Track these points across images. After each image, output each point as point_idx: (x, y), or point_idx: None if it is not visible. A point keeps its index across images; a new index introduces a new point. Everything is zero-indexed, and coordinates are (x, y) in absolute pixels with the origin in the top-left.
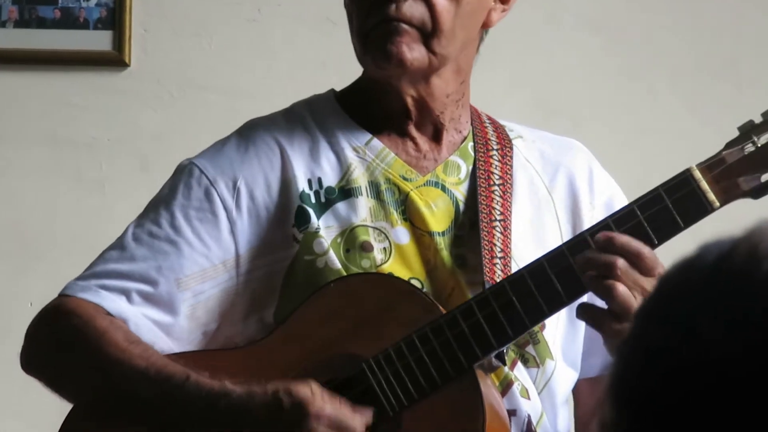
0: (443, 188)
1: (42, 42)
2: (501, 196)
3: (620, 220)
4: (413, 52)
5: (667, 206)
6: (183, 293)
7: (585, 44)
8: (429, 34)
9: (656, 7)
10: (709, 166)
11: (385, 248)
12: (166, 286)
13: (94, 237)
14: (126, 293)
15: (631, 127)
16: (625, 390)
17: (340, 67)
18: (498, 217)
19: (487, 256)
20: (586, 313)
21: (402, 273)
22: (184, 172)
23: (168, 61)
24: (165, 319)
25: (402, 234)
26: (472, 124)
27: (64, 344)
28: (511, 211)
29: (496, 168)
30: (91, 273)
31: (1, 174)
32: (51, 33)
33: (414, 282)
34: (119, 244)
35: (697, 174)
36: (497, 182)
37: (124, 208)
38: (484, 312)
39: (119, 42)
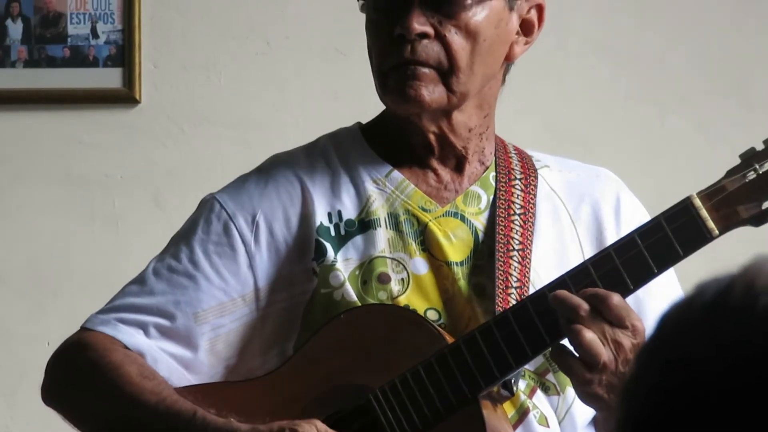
0: (462, 218)
1: (52, 81)
2: (521, 226)
3: (621, 249)
4: (432, 94)
5: (667, 234)
6: (201, 327)
7: (594, 69)
8: (446, 72)
9: (665, 30)
10: (709, 194)
11: (402, 279)
12: (184, 320)
13: (109, 274)
14: (143, 327)
15: (642, 150)
16: (631, 430)
17: (351, 98)
18: (516, 247)
19: (501, 286)
20: (558, 355)
21: (419, 303)
22: (205, 206)
23: (178, 96)
24: (183, 353)
25: (420, 264)
26: (496, 154)
27: (81, 378)
28: (531, 240)
29: (517, 197)
30: (111, 307)
31: (15, 213)
32: (61, 72)
33: (431, 312)
34: (140, 279)
35: (697, 202)
36: (518, 211)
37: (138, 244)
38: (487, 341)
39: (129, 79)
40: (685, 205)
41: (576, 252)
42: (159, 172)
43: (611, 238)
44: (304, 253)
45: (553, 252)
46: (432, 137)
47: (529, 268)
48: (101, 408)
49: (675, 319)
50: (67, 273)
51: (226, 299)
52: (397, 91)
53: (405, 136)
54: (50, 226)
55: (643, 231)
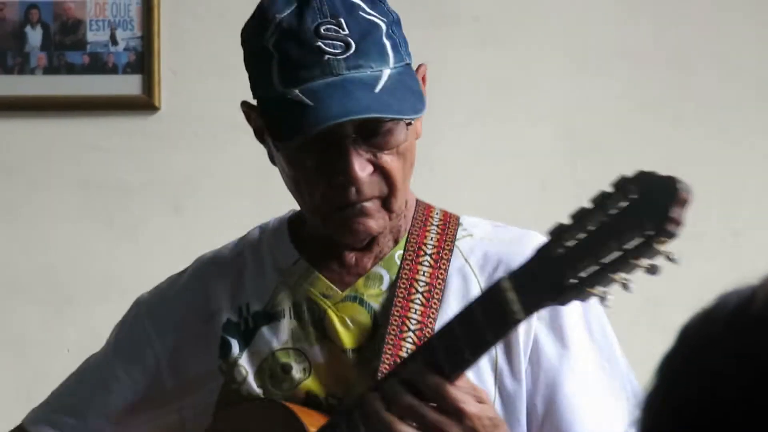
0: (361, 302)
1: (71, 88)
2: (423, 304)
3: (440, 333)
4: (377, 222)
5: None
6: (114, 426)
7: (611, 75)
8: (387, 197)
9: (683, 36)
10: (516, 276)
11: (304, 368)
12: (95, 420)
13: (127, 281)
14: (60, 428)
15: (660, 158)
16: None
17: None
18: (413, 327)
19: (386, 371)
20: None
21: (320, 390)
22: (132, 309)
23: (197, 103)
24: None
25: (318, 353)
26: (410, 230)
27: None
28: (435, 318)
29: (423, 275)
30: (45, 400)
31: (34, 220)
32: (80, 79)
33: (332, 399)
34: (73, 374)
35: (506, 284)
36: (421, 289)
37: (156, 251)
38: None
39: (149, 86)
40: (496, 288)
41: None
42: (178, 179)
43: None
44: (209, 353)
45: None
46: None
47: (400, 351)
48: None
49: (697, 331)
50: (85, 280)
51: (135, 399)
52: (343, 227)
53: (310, 221)
54: (68, 233)
55: (459, 316)
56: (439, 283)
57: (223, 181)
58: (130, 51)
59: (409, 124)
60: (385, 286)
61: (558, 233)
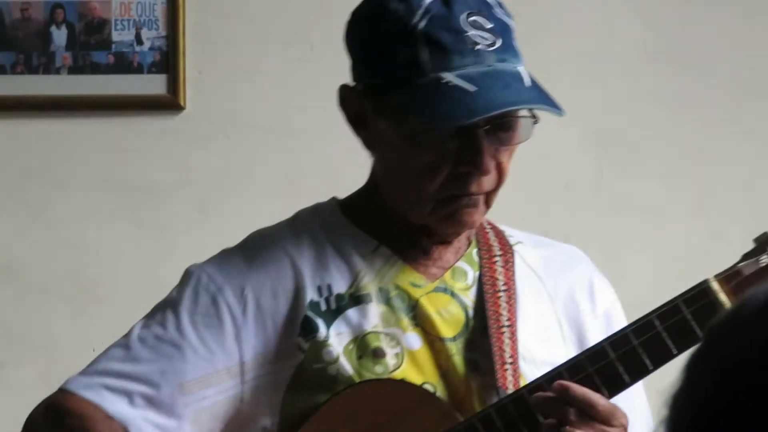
0: (452, 294)
1: (96, 87)
2: (507, 302)
3: (640, 330)
4: (480, 216)
5: (686, 317)
6: (186, 398)
7: (640, 73)
8: (491, 193)
9: (711, 34)
10: (726, 278)
11: (397, 354)
12: (169, 390)
13: (154, 281)
14: (128, 395)
15: (688, 157)
16: None
17: None
18: (506, 323)
19: (498, 362)
20: None
21: (415, 378)
22: (191, 278)
23: (223, 102)
24: (167, 424)
25: (414, 340)
26: (476, 231)
27: None
28: (516, 317)
29: (500, 274)
30: (94, 370)
31: (60, 220)
32: (105, 78)
33: (427, 387)
34: (124, 343)
35: (715, 285)
36: (502, 288)
37: (183, 250)
38: (504, 420)
39: (174, 85)
40: (703, 288)
41: (555, 330)
42: (203, 179)
43: (588, 319)
44: (289, 329)
45: (535, 329)
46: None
47: (517, 344)
48: None
49: (723, 329)
50: (112, 280)
51: (211, 371)
52: (451, 217)
53: (398, 216)
54: (95, 233)
55: (661, 313)
56: (512, 284)
57: (249, 180)
58: (155, 50)
59: (536, 122)
60: (470, 281)
61: (763, 242)
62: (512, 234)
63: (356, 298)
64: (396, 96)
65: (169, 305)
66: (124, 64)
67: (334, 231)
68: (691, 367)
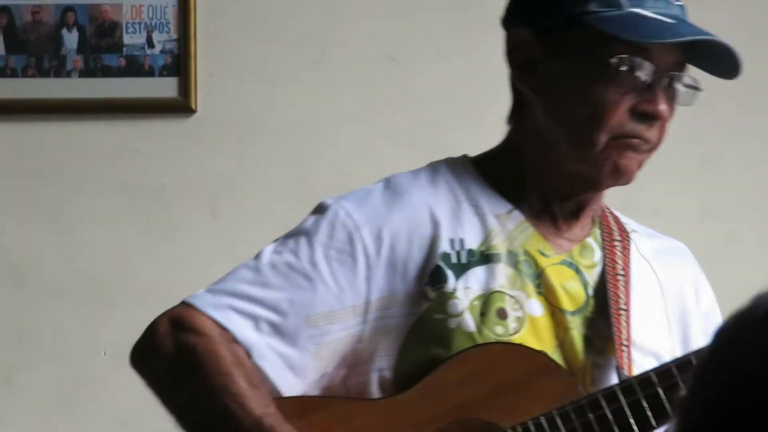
0: (577, 270)
1: (108, 90)
2: (624, 286)
3: None
4: (637, 170)
5: None
6: (310, 330)
7: None
8: (649, 151)
9: (723, 36)
10: None
11: (518, 317)
12: (295, 320)
13: (165, 284)
14: (255, 320)
15: (699, 159)
16: None
17: (405, 106)
18: (623, 306)
19: (617, 342)
20: None
21: (533, 345)
22: (328, 211)
23: (234, 105)
24: (290, 353)
25: (536, 306)
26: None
27: (186, 362)
28: (630, 303)
29: (619, 258)
30: (222, 289)
31: (71, 223)
32: (116, 81)
33: None
34: (254, 266)
35: None
36: (620, 272)
37: (194, 254)
38: (629, 399)
39: (185, 88)
40: None
41: (663, 321)
42: (215, 182)
43: (694, 316)
44: (418, 276)
45: (645, 317)
46: (582, 196)
47: (631, 328)
48: (197, 400)
49: (731, 332)
50: (123, 283)
51: (338, 307)
52: (614, 160)
53: (537, 179)
54: (106, 236)
55: None
56: (628, 270)
57: (260, 184)
58: (166, 53)
59: (699, 90)
60: (596, 259)
61: None
62: (626, 221)
63: (486, 257)
64: (597, 25)
65: (303, 234)
66: (135, 67)
67: (470, 188)
68: (699, 371)
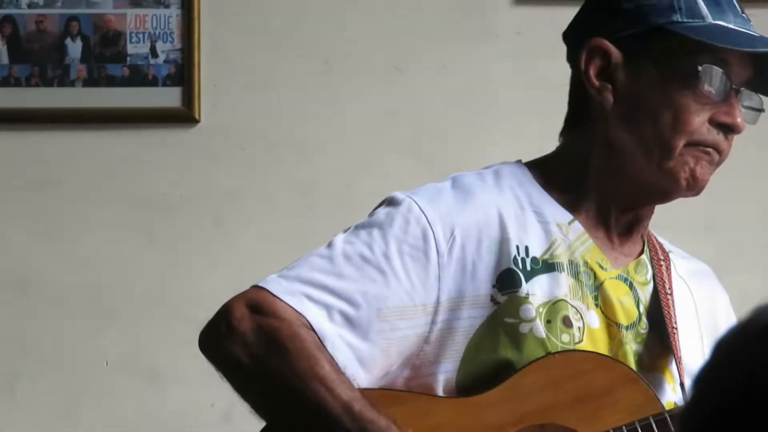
0: (631, 285)
1: (111, 100)
2: (673, 305)
3: None
4: (708, 181)
5: None
6: (381, 324)
7: None
8: (718, 163)
9: None
10: None
11: (579, 327)
12: (368, 313)
13: (168, 294)
14: (328, 309)
15: None
16: None
17: (409, 116)
18: (675, 324)
19: (676, 357)
20: None
21: None
22: (402, 205)
23: (238, 115)
24: (361, 346)
25: (594, 318)
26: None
27: (269, 344)
28: (677, 321)
29: (665, 277)
30: (295, 276)
31: (75, 232)
32: (120, 91)
33: None
34: (327, 255)
35: None
36: (668, 291)
37: (197, 264)
38: None
39: (188, 98)
40: None
41: (698, 341)
42: (218, 192)
43: None
44: (486, 278)
45: (685, 336)
46: (641, 210)
47: (680, 348)
48: (283, 383)
49: (731, 344)
50: (126, 293)
51: (409, 303)
52: (690, 167)
53: (599, 190)
54: (109, 246)
55: None
56: (673, 290)
57: (263, 194)
58: (170, 63)
59: (762, 112)
60: (648, 276)
61: None
62: (663, 241)
63: (549, 265)
64: (685, 33)
65: (376, 226)
66: (138, 77)
67: (533, 194)
68: (698, 383)
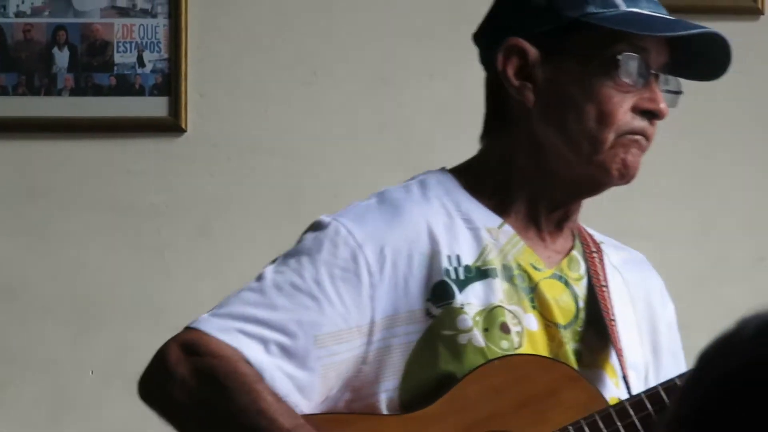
0: (566, 283)
1: (98, 109)
2: (609, 297)
3: None
4: (638, 168)
5: None
6: (319, 351)
7: None
8: (646, 148)
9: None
10: None
11: (518, 332)
12: (304, 342)
13: (154, 303)
14: (264, 342)
15: (692, 179)
16: None
17: (396, 128)
18: (612, 317)
19: (617, 351)
20: None
21: None
22: (328, 228)
23: (224, 125)
24: (299, 375)
25: (532, 321)
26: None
27: (208, 385)
28: (614, 313)
29: (600, 270)
30: (227, 313)
31: (61, 241)
32: (107, 100)
33: None
34: (258, 288)
35: None
36: (603, 283)
37: (184, 273)
38: (656, 406)
39: (175, 108)
40: None
41: (635, 332)
42: (205, 202)
43: (661, 325)
44: (420, 293)
45: (623, 327)
46: (571, 206)
47: (620, 340)
48: (226, 422)
49: (716, 355)
50: (112, 302)
51: (344, 327)
52: (621, 158)
53: (527, 190)
54: (96, 255)
55: None
56: (608, 281)
57: (250, 203)
58: (157, 73)
59: (680, 94)
60: (582, 271)
61: None
62: (593, 232)
63: (483, 272)
64: (602, 24)
65: (304, 253)
66: (125, 86)
67: (461, 202)
68: (682, 391)
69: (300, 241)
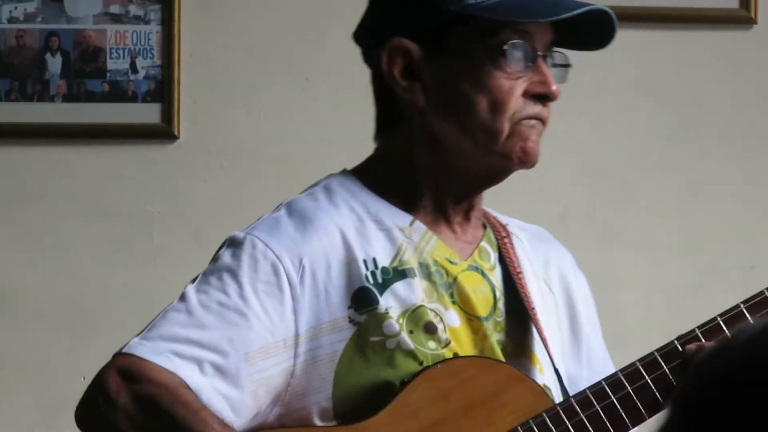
0: (482, 274)
1: (91, 116)
2: (525, 283)
3: (707, 333)
4: (539, 150)
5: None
6: (249, 368)
7: (634, 107)
8: (543, 131)
9: (704, 67)
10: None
11: (443, 329)
12: (236, 360)
13: (147, 309)
14: (199, 363)
15: (681, 191)
16: None
17: None
18: (533, 305)
19: (543, 339)
20: None
21: (462, 354)
22: (245, 243)
23: (217, 131)
24: (232, 394)
25: (454, 317)
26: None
27: (151, 413)
28: (532, 299)
29: (513, 255)
30: (158, 335)
31: (54, 248)
32: (100, 107)
33: None
34: (184, 309)
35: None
36: (518, 270)
37: (176, 280)
38: (602, 403)
39: (168, 114)
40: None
41: (554, 311)
42: (198, 208)
43: (579, 299)
44: (341, 301)
45: (542, 311)
46: (478, 195)
47: (543, 327)
48: None
49: (710, 364)
50: (105, 308)
51: (271, 341)
52: (520, 145)
53: (432, 185)
54: (89, 261)
55: (726, 317)
56: (520, 267)
57: (243, 210)
58: (150, 79)
59: (569, 67)
60: (493, 261)
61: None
62: (496, 215)
63: (401, 272)
64: (485, 15)
65: (224, 270)
66: (118, 93)
67: (368, 203)
68: (677, 401)
69: (216, 258)
